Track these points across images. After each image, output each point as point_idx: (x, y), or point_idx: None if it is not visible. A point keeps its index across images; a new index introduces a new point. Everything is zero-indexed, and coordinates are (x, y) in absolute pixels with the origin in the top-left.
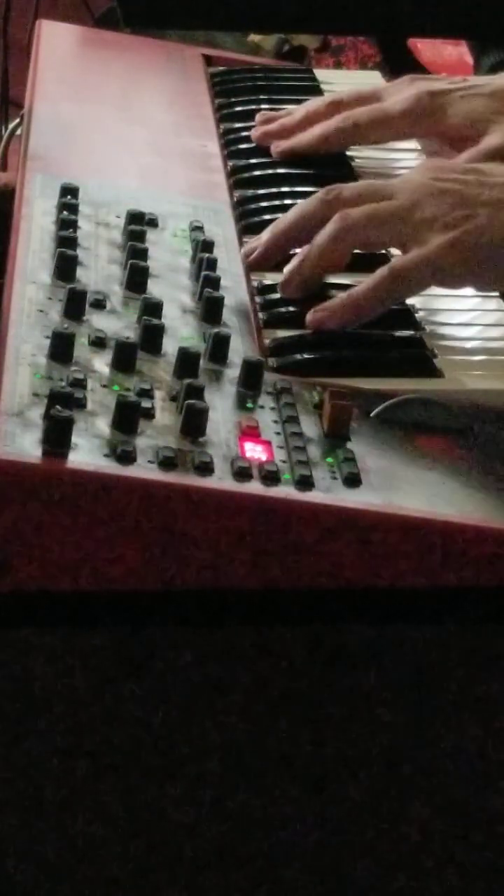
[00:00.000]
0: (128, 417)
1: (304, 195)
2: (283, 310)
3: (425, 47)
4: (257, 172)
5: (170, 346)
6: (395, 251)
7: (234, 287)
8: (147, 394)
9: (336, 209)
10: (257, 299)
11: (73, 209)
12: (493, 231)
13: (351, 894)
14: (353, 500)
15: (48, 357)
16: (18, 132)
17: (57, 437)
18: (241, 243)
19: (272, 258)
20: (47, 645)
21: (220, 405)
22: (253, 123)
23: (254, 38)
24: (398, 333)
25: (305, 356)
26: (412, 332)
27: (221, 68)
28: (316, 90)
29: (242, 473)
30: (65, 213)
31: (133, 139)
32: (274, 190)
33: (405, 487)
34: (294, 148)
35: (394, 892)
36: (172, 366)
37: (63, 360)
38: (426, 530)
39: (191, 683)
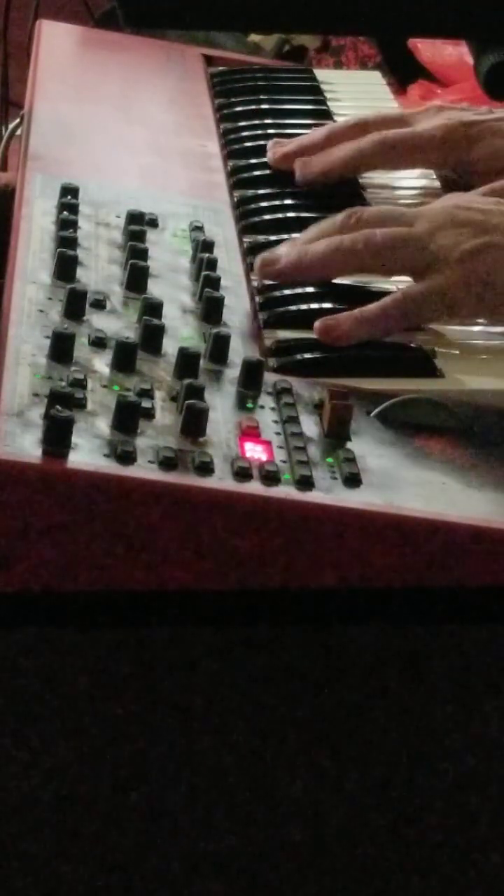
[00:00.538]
0: (128, 417)
1: (305, 194)
2: (283, 310)
3: (425, 47)
4: (257, 172)
5: (170, 346)
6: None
7: (234, 287)
8: (147, 394)
9: (357, 230)
10: (257, 299)
11: (73, 209)
12: None
13: (351, 894)
14: (353, 500)
15: (48, 357)
16: (18, 132)
17: (57, 437)
18: (241, 243)
19: (289, 280)
20: (48, 645)
21: (221, 405)
22: (253, 123)
23: (254, 38)
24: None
25: (305, 356)
26: (412, 333)
27: (221, 68)
28: (316, 90)
29: (242, 473)
30: (65, 213)
31: (133, 139)
32: (274, 190)
33: (405, 487)
34: (325, 170)
35: (394, 892)
36: (172, 366)
37: (63, 360)
38: (426, 530)
39: (191, 683)
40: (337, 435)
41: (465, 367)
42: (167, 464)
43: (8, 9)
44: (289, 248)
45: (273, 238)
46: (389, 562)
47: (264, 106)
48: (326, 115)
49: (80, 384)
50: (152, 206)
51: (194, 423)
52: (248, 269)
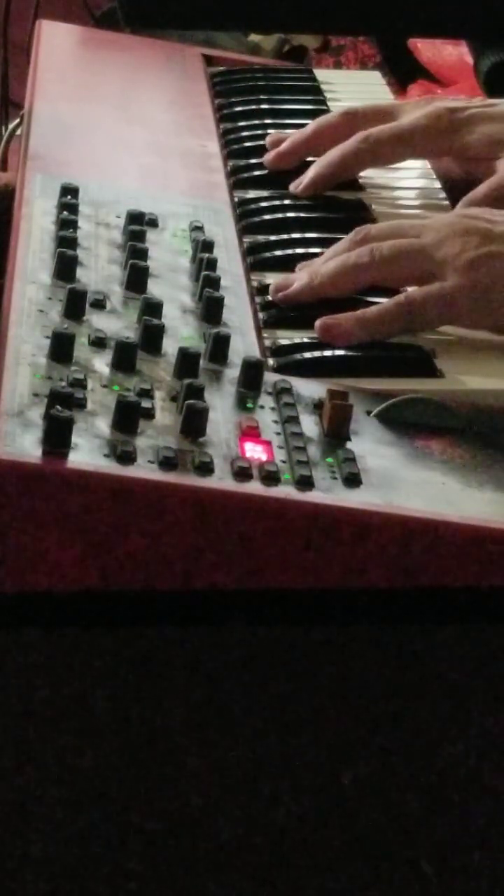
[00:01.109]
0: (128, 417)
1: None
2: (283, 310)
3: (425, 47)
4: (257, 172)
5: (170, 346)
6: None
7: (234, 287)
8: (147, 394)
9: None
10: (257, 299)
11: (73, 209)
12: None
13: (351, 893)
14: (353, 500)
15: (48, 357)
16: (18, 132)
17: (57, 437)
18: (241, 243)
19: (304, 302)
20: (48, 645)
21: (220, 405)
22: (253, 123)
23: (254, 38)
24: None
25: (305, 356)
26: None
27: (221, 68)
28: (316, 90)
29: (242, 473)
30: (65, 213)
31: (133, 139)
32: (274, 190)
33: (405, 487)
34: (315, 181)
35: (393, 892)
36: (172, 366)
37: (63, 360)
38: (426, 530)
39: (191, 683)
40: (337, 435)
41: (465, 367)
42: (167, 464)
43: (8, 9)
44: (301, 272)
45: (273, 238)
46: (389, 562)
47: (264, 106)
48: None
49: (80, 384)
50: (152, 206)
51: (194, 423)
52: (248, 269)
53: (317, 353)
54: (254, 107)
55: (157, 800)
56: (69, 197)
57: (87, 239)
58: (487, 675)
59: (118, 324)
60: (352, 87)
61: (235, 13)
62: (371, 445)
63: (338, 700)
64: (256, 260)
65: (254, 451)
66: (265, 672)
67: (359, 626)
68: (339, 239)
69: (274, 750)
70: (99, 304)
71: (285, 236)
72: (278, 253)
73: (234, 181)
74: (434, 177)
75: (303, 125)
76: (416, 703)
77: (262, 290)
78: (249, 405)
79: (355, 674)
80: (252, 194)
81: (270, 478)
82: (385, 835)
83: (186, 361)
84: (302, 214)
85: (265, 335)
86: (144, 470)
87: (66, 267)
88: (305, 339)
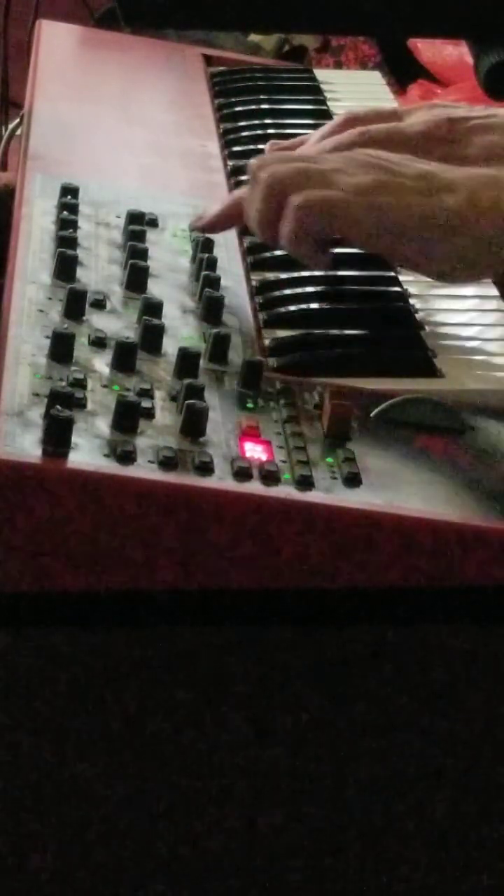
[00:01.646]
0: (128, 417)
1: None
2: (282, 310)
3: (425, 47)
4: None
5: (170, 346)
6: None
7: (234, 287)
8: (147, 394)
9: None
10: (257, 299)
11: (73, 209)
12: (405, 207)
13: (350, 893)
14: (354, 500)
15: (48, 357)
16: (18, 132)
17: (57, 437)
18: (241, 243)
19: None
20: (48, 645)
21: (220, 405)
22: (253, 123)
23: (254, 38)
24: (398, 333)
25: (305, 356)
26: (412, 332)
27: (221, 68)
28: (316, 90)
29: (242, 473)
30: (65, 213)
31: (133, 139)
32: None
33: (405, 487)
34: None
35: (394, 892)
36: (172, 366)
37: (63, 360)
38: (426, 530)
39: (191, 683)
40: (337, 435)
41: (465, 367)
42: (167, 464)
43: (8, 9)
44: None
45: None
46: (389, 561)
47: (264, 106)
48: (326, 115)
49: (80, 384)
50: (152, 206)
51: (194, 422)
52: (248, 269)
53: (317, 353)
54: (254, 107)
55: (155, 800)
56: (69, 197)
57: (87, 239)
58: (487, 675)
59: (118, 324)
60: (352, 87)
61: (235, 13)
62: (371, 445)
63: (337, 700)
64: (256, 260)
65: (254, 451)
66: (265, 672)
67: (359, 626)
68: (339, 239)
69: (273, 752)
70: (99, 304)
71: None
72: (278, 253)
73: (234, 181)
74: None
75: (303, 125)
76: (416, 702)
77: (262, 289)
78: (249, 405)
79: (354, 674)
80: None
81: (270, 478)
82: (385, 834)
83: (186, 361)
84: None
85: (265, 335)
86: (144, 470)
87: (66, 267)
88: (305, 339)
